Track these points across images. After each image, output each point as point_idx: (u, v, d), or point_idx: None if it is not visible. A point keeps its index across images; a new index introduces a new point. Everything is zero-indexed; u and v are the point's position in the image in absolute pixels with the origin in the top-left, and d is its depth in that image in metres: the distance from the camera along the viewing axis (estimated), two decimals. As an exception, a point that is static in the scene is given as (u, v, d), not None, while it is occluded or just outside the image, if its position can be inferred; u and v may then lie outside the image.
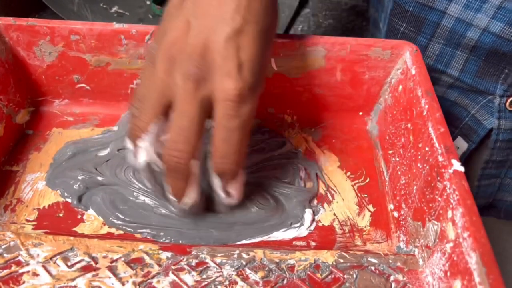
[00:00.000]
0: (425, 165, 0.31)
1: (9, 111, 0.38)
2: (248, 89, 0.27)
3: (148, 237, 0.32)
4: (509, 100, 0.40)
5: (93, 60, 0.39)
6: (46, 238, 0.29)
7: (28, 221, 0.33)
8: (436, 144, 0.30)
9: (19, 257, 0.28)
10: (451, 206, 0.27)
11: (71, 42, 0.38)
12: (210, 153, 0.29)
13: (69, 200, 0.34)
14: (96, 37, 0.37)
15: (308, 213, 0.34)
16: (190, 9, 0.28)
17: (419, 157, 0.32)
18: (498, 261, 0.24)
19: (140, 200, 0.34)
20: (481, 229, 0.25)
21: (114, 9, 0.67)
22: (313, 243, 0.33)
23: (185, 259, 0.29)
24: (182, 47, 0.27)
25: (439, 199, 0.28)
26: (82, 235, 0.32)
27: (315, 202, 0.36)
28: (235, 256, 0.29)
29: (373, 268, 0.29)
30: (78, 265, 0.28)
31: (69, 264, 0.28)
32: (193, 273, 0.28)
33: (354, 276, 0.29)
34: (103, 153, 0.38)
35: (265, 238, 0.33)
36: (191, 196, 0.30)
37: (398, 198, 0.35)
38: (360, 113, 0.42)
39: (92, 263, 0.28)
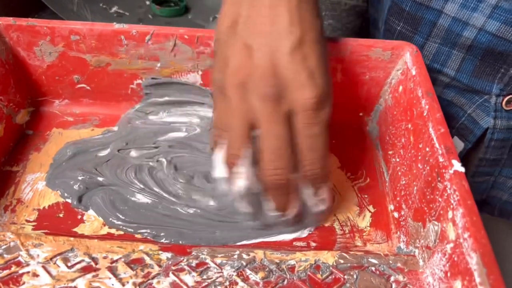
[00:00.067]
0: (425, 166, 0.31)
1: (9, 111, 0.38)
2: (325, 94, 0.28)
3: (148, 237, 0.32)
4: (505, 100, 0.40)
5: (93, 60, 0.39)
6: (46, 239, 0.29)
7: (28, 221, 0.33)
8: (437, 145, 0.30)
9: (19, 258, 0.28)
10: (451, 206, 0.27)
11: (71, 42, 0.38)
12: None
13: (69, 200, 0.34)
14: (96, 37, 0.37)
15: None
16: (244, 32, 0.28)
17: (420, 158, 0.32)
18: (498, 260, 0.24)
19: (140, 201, 0.34)
20: (481, 230, 0.25)
21: (114, 9, 0.67)
22: (313, 244, 0.33)
23: (185, 260, 0.29)
24: (250, 71, 0.28)
25: (440, 199, 0.28)
26: (82, 236, 0.32)
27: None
28: (236, 256, 0.29)
29: (373, 268, 0.29)
30: (78, 266, 0.28)
31: (69, 264, 0.28)
32: (193, 273, 0.28)
33: (355, 276, 0.29)
34: (103, 153, 0.38)
35: (266, 239, 0.33)
36: (295, 206, 0.31)
37: (398, 198, 0.35)
38: (361, 114, 0.42)
39: (92, 263, 0.28)
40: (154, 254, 0.29)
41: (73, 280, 0.27)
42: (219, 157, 0.31)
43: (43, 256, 0.28)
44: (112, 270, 0.28)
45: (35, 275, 0.27)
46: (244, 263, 0.29)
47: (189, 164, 0.37)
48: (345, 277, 0.29)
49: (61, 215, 0.33)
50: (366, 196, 0.37)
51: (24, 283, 0.27)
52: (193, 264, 0.29)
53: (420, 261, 0.30)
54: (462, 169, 0.27)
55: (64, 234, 0.31)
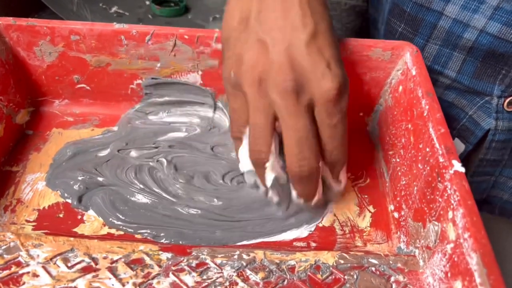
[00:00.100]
0: (425, 166, 0.31)
1: (9, 111, 0.38)
2: (343, 83, 0.28)
3: (148, 237, 0.32)
4: (507, 101, 0.40)
5: (93, 61, 0.39)
6: (46, 239, 0.29)
7: (28, 221, 0.33)
8: (437, 145, 0.30)
9: (19, 258, 0.28)
10: (451, 206, 0.27)
11: (71, 42, 0.38)
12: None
13: (69, 200, 0.34)
14: (96, 37, 0.37)
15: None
16: (256, 27, 0.28)
17: (420, 158, 0.32)
18: (498, 260, 0.24)
19: (140, 201, 0.34)
20: (481, 230, 0.25)
21: (114, 9, 0.67)
22: (313, 244, 0.33)
23: (185, 260, 0.29)
24: (267, 67, 0.28)
25: (440, 199, 0.28)
26: (82, 236, 0.32)
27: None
28: (236, 257, 0.29)
29: (373, 269, 0.29)
30: (78, 266, 0.28)
31: (69, 265, 0.28)
32: (194, 274, 0.28)
33: (355, 277, 0.29)
34: (103, 153, 0.38)
35: (266, 239, 0.33)
36: (319, 191, 0.32)
37: (398, 199, 0.35)
38: (361, 114, 0.42)
39: (92, 264, 0.28)
40: (154, 254, 0.29)
41: (73, 280, 0.27)
42: (243, 151, 0.32)
43: (43, 256, 0.28)
44: (112, 270, 0.28)
45: (35, 275, 0.27)
46: (244, 264, 0.29)
47: (189, 164, 0.37)
48: (345, 277, 0.29)
49: (61, 215, 0.33)
50: (366, 196, 0.37)
51: (24, 283, 0.27)
52: (193, 264, 0.29)
53: (420, 262, 0.30)
54: (462, 169, 0.27)
55: (64, 234, 0.31)
